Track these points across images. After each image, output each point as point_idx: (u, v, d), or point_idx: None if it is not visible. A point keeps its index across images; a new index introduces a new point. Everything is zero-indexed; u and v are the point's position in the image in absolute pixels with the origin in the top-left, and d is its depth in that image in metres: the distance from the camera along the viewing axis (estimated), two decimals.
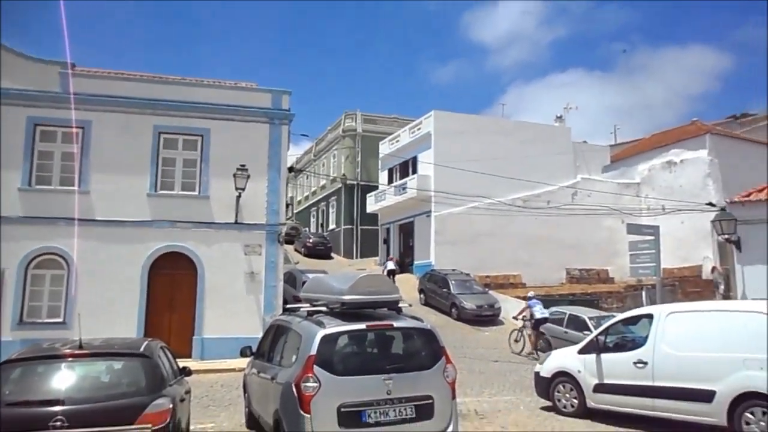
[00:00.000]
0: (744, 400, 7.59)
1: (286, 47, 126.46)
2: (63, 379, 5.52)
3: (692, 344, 8.41)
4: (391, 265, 27.29)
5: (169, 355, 7.15)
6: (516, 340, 17.71)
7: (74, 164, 15.36)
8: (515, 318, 18.06)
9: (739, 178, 22.48)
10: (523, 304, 21.54)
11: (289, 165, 29.10)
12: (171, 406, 5.60)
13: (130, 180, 15.71)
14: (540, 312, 17.12)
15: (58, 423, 5.04)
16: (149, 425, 5.16)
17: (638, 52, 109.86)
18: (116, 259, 15.24)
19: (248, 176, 16.03)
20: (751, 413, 7.52)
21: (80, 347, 5.88)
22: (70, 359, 5.73)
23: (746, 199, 16.51)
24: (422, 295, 24.42)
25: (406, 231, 31.57)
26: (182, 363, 7.99)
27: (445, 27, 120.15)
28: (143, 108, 16.00)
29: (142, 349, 6.13)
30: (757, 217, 16.00)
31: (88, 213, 15.22)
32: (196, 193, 16.31)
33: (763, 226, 15.84)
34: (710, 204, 20.62)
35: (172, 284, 15.78)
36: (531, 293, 18.47)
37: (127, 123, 15.89)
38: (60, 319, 14.74)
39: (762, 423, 7.41)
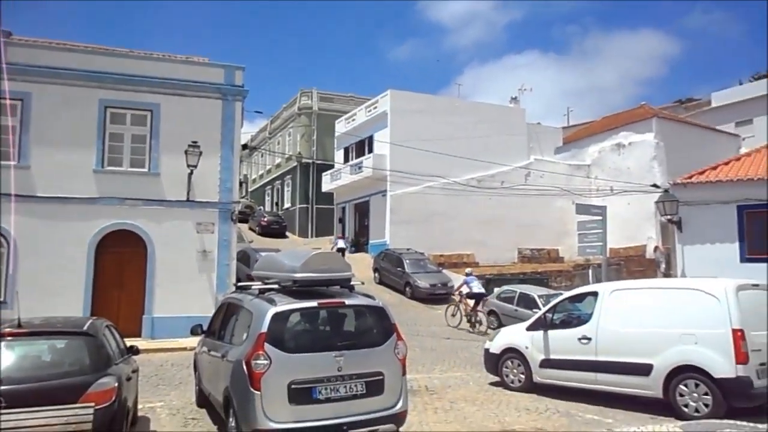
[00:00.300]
0: (678, 373, 8.00)
1: (239, 23, 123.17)
2: (1, 359, 5.32)
3: (633, 320, 8.79)
4: (341, 243, 27.63)
5: (116, 334, 7.00)
6: (452, 315, 18.54)
7: (11, 138, 14.63)
8: (453, 294, 19.09)
9: (683, 161, 23.38)
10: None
11: (243, 143, 28.59)
12: (116, 384, 5.49)
13: (75, 155, 15.11)
14: (477, 287, 18.12)
15: None
16: (92, 404, 5.04)
17: (591, 35, 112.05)
18: (60, 237, 14.70)
19: (200, 153, 15.65)
20: (685, 385, 7.94)
21: (19, 326, 5.68)
22: (8, 338, 5.52)
23: (688, 181, 17.21)
24: (377, 274, 24.56)
25: (362, 210, 31.59)
26: (131, 342, 7.84)
27: (403, 5, 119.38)
28: (88, 81, 15.35)
29: (85, 327, 5.97)
30: (698, 198, 16.74)
31: (28, 189, 14.57)
32: (146, 169, 15.85)
33: (703, 207, 16.59)
34: (655, 186, 21.40)
35: (120, 263, 15.37)
36: (468, 270, 19.67)
37: (70, 96, 15.21)
38: (0, 299, 14.16)
39: (694, 394, 7.85)
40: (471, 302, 18.14)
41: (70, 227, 14.86)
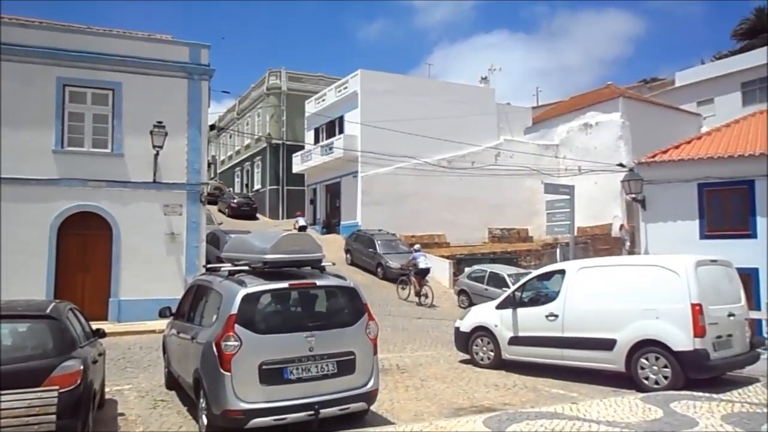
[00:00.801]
0: (640, 347, 8.26)
1: (204, 1, 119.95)
2: None
3: (599, 297, 9.01)
4: (301, 221, 27.84)
5: (80, 317, 6.86)
6: (402, 288, 19.59)
7: None
8: (401, 267, 20.24)
9: (648, 140, 23.85)
10: (446, 263, 22.45)
11: (211, 123, 28.07)
12: (81, 367, 5.40)
13: (33, 135, 14.62)
14: (423, 263, 19.29)
15: None
16: (56, 387, 4.96)
17: (559, 15, 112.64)
18: (20, 219, 14.26)
19: (166, 134, 15.31)
20: (646, 359, 8.20)
21: None
22: None
23: (652, 160, 17.60)
24: (349, 255, 24.58)
25: (333, 191, 31.45)
26: (97, 325, 7.70)
27: None
28: (44, 57, 14.79)
29: (48, 310, 5.83)
30: (661, 177, 17.15)
31: None
32: (109, 150, 15.46)
33: (666, 185, 17.00)
34: (621, 165, 21.80)
35: (84, 245, 15.05)
36: (416, 246, 20.95)
37: (26, 73, 14.65)
38: None
39: (654, 367, 8.12)
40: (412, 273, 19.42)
41: (30, 209, 14.44)
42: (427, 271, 19.55)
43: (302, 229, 25.95)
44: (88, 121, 15.35)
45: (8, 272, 13.71)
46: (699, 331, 7.87)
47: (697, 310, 7.92)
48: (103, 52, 15.41)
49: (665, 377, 8.01)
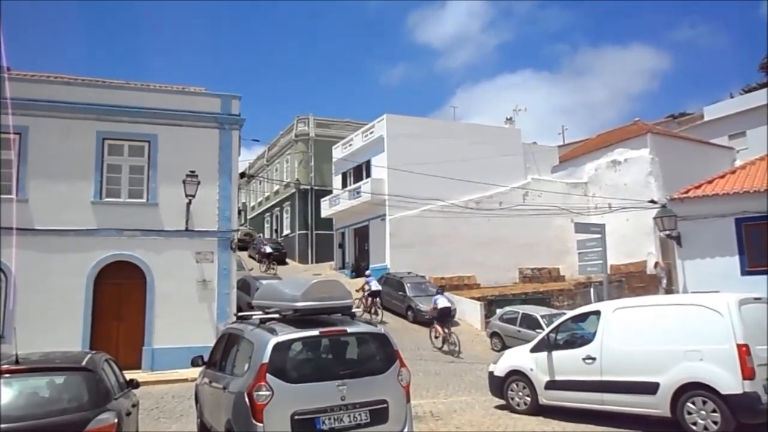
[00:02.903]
0: (685, 390, 7.91)
1: (233, 52, 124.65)
2: None
3: (637, 338, 8.72)
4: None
5: (115, 368, 6.92)
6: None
7: (11, 171, 14.68)
8: (358, 291, 21.66)
9: (679, 176, 23.46)
10: (477, 304, 22.24)
11: (241, 170, 28.60)
12: (116, 420, 5.41)
13: (73, 187, 15.15)
14: (375, 285, 21.61)
15: None
16: None
17: (581, 52, 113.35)
18: (59, 269, 14.65)
19: (198, 182, 15.69)
20: (692, 403, 7.84)
21: (17, 362, 5.62)
22: (6, 375, 5.45)
23: (685, 196, 17.26)
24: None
25: (361, 235, 31.55)
26: (131, 375, 7.76)
27: (389, 28, 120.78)
28: (85, 113, 15.46)
29: (84, 362, 5.90)
30: (696, 212, 16.78)
31: (26, 222, 14.56)
32: (144, 200, 15.88)
33: (701, 221, 16.61)
34: (652, 201, 21.43)
35: (119, 294, 15.30)
36: (368, 272, 23.65)
37: (67, 128, 15.31)
38: None
39: (702, 412, 7.75)
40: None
41: (68, 259, 14.82)
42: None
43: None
44: (124, 173, 15.86)
45: (46, 321, 13.97)
46: (748, 373, 7.52)
47: (744, 351, 7.58)
48: (140, 106, 16.02)
49: (714, 422, 7.63)
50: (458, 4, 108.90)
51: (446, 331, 18.23)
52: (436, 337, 18.65)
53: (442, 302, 18.71)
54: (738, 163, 25.07)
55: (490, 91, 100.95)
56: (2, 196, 14.40)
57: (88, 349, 13.13)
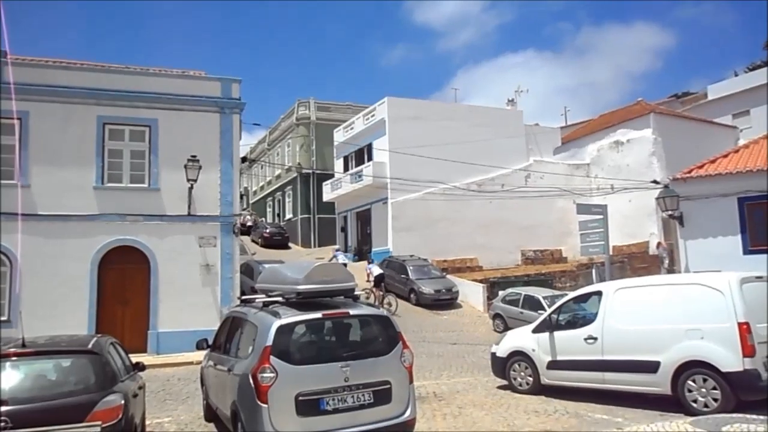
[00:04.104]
0: (686, 369, 7.97)
1: (233, 36, 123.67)
2: (6, 379, 5.31)
3: (639, 318, 8.76)
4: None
5: (121, 351, 6.99)
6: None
7: (13, 157, 14.70)
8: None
9: (682, 156, 23.35)
10: (479, 286, 22.35)
11: (242, 155, 28.53)
12: (122, 402, 5.48)
13: (75, 173, 15.17)
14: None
15: (2, 424, 4.87)
16: (99, 422, 5.05)
17: (584, 31, 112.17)
18: (63, 254, 14.74)
19: (200, 167, 15.70)
20: (693, 381, 7.91)
21: (23, 345, 5.69)
22: (13, 358, 5.52)
23: (688, 176, 17.21)
24: (383, 284, 24.46)
25: (364, 218, 31.58)
26: (137, 358, 7.84)
27: (388, 9, 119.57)
28: (85, 98, 15.43)
29: (90, 345, 5.97)
30: (698, 192, 16.74)
31: (29, 207, 14.61)
32: (146, 185, 15.90)
33: (703, 201, 16.58)
34: (655, 182, 21.38)
35: (123, 279, 15.40)
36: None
37: (68, 113, 15.30)
38: (4, 318, 14.20)
39: (703, 389, 7.81)
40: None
41: (72, 244, 14.90)
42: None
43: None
44: (126, 158, 15.86)
45: (52, 306, 14.09)
46: (748, 351, 7.57)
47: (745, 329, 7.62)
48: (140, 91, 15.98)
49: (715, 399, 7.70)
50: None
51: (381, 293, 20.53)
52: (367, 298, 19.47)
53: (375, 270, 21.23)
54: (741, 142, 24.96)
55: (492, 72, 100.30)
56: (4, 182, 14.43)
57: (94, 333, 13.29)
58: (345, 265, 21.31)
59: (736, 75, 38.63)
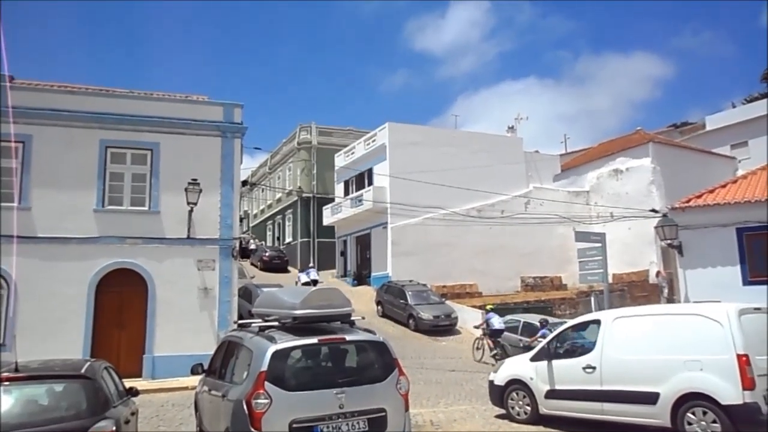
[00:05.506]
0: (686, 400, 7.88)
1: (235, 60, 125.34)
2: None
3: (637, 348, 8.69)
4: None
5: (114, 376, 6.94)
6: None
7: (14, 180, 14.77)
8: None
9: (681, 185, 23.47)
10: (478, 312, 22.17)
11: (243, 178, 28.66)
12: (114, 428, 5.43)
13: (75, 195, 15.21)
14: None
15: None
16: None
17: (583, 59, 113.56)
18: (60, 277, 14.69)
19: (200, 190, 15.75)
20: (693, 413, 7.81)
21: (16, 370, 5.65)
22: (5, 383, 5.48)
23: (686, 205, 17.26)
24: (380, 307, 24.41)
25: (363, 243, 31.59)
26: (132, 383, 7.78)
27: (388, 36, 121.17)
28: (88, 122, 15.55)
29: (83, 370, 5.93)
30: (697, 222, 16.76)
31: (29, 230, 14.63)
32: (146, 208, 15.93)
33: (702, 231, 16.59)
34: (654, 210, 21.42)
35: (121, 302, 15.32)
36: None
37: (71, 137, 15.40)
38: (0, 341, 14.07)
39: (703, 422, 7.72)
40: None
41: (70, 267, 14.86)
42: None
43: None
44: (127, 181, 15.91)
45: (48, 329, 14.00)
46: (748, 384, 7.49)
47: (744, 362, 7.55)
48: (143, 115, 16.11)
49: None
50: (459, 13, 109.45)
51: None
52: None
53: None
54: (740, 172, 25.08)
55: (492, 98, 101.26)
56: (4, 204, 14.47)
57: (89, 357, 13.17)
58: (313, 282, 21.10)
59: (734, 106, 39.04)
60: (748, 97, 41.14)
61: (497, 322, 18.29)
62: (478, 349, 18.55)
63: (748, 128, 31.02)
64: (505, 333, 18.90)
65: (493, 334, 18.11)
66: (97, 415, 5.49)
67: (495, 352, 17.82)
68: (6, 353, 12.90)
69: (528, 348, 16.04)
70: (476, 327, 19.25)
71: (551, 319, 19.14)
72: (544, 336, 17.53)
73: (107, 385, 6.18)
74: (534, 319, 18.66)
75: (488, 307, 19.88)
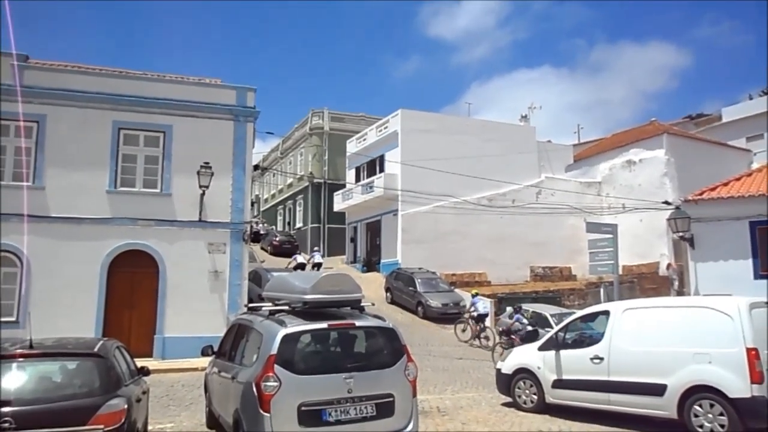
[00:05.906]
0: (693, 393, 7.86)
1: (248, 45, 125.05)
2: (12, 380, 5.37)
3: (646, 339, 8.67)
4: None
5: (126, 355, 7.03)
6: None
7: (28, 159, 14.91)
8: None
9: (694, 177, 23.23)
10: (487, 302, 22.17)
11: (255, 163, 28.73)
12: (126, 406, 5.51)
13: (88, 176, 15.35)
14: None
15: (6, 425, 4.92)
16: (101, 426, 5.08)
17: (598, 48, 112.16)
18: (74, 256, 14.88)
19: (212, 174, 15.82)
20: (700, 405, 7.80)
21: (31, 347, 5.75)
22: (19, 359, 5.58)
23: (699, 197, 17.10)
24: (389, 294, 24.49)
25: (373, 229, 31.61)
26: (142, 362, 7.87)
27: (401, 22, 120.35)
28: (102, 103, 15.65)
29: (96, 348, 6.01)
30: (710, 215, 16.61)
31: (43, 209, 14.81)
32: (158, 190, 16.05)
33: (715, 223, 16.44)
34: (666, 202, 21.24)
35: (132, 282, 15.50)
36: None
37: (84, 118, 15.51)
38: (12, 318, 14.32)
39: (709, 415, 7.71)
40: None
41: (83, 247, 15.04)
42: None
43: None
44: (139, 162, 16.03)
45: (60, 308, 14.20)
46: (756, 378, 7.46)
47: (753, 355, 7.52)
48: (156, 97, 16.18)
49: (721, 426, 7.58)
50: (468, 2, 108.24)
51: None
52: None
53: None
54: (755, 165, 24.76)
55: (505, 87, 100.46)
56: (19, 184, 14.62)
57: (101, 336, 13.37)
58: (317, 266, 21.58)
59: (751, 98, 38.38)
60: (765, 89, 40.45)
61: (482, 306, 19.29)
62: (463, 331, 19.52)
63: (764, 121, 30.55)
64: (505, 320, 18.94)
65: (479, 318, 19.03)
66: (110, 393, 5.56)
67: (501, 341, 17.91)
68: (19, 330, 13.16)
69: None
70: (463, 312, 20.50)
71: (560, 309, 19.15)
72: (474, 303, 19.32)
73: (119, 363, 6.27)
74: (543, 309, 18.65)
75: (473, 292, 20.72)
